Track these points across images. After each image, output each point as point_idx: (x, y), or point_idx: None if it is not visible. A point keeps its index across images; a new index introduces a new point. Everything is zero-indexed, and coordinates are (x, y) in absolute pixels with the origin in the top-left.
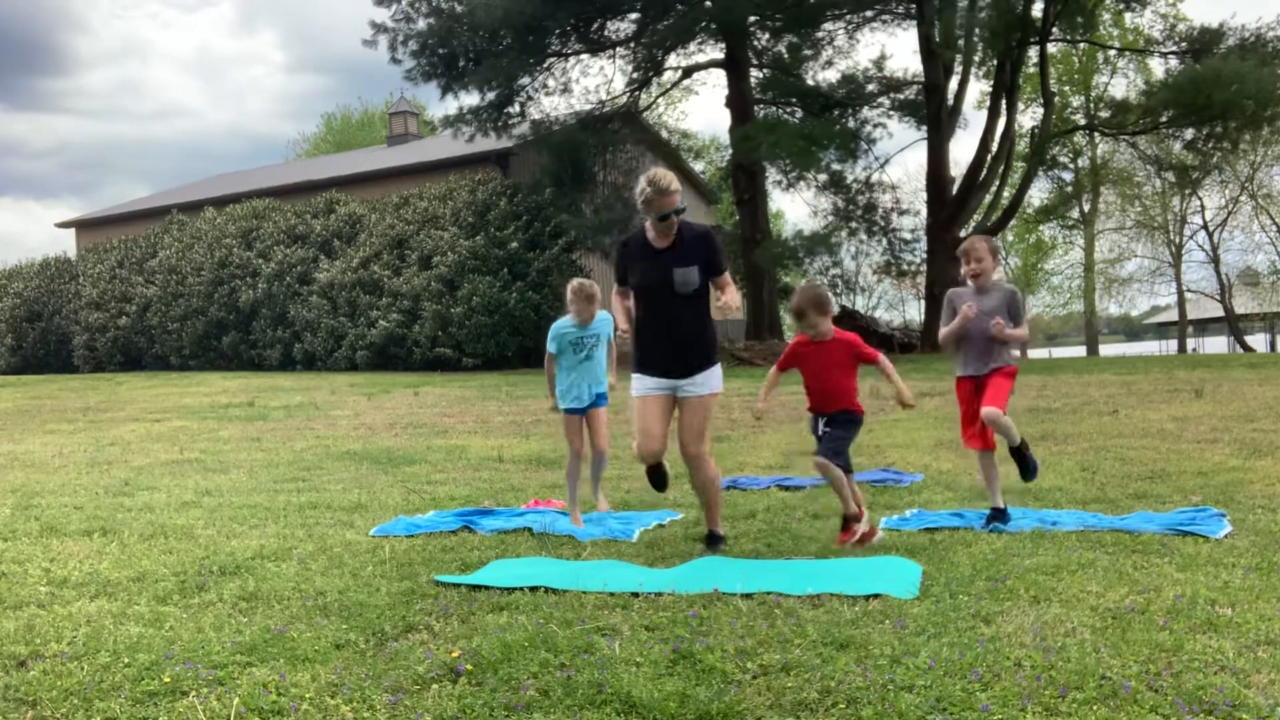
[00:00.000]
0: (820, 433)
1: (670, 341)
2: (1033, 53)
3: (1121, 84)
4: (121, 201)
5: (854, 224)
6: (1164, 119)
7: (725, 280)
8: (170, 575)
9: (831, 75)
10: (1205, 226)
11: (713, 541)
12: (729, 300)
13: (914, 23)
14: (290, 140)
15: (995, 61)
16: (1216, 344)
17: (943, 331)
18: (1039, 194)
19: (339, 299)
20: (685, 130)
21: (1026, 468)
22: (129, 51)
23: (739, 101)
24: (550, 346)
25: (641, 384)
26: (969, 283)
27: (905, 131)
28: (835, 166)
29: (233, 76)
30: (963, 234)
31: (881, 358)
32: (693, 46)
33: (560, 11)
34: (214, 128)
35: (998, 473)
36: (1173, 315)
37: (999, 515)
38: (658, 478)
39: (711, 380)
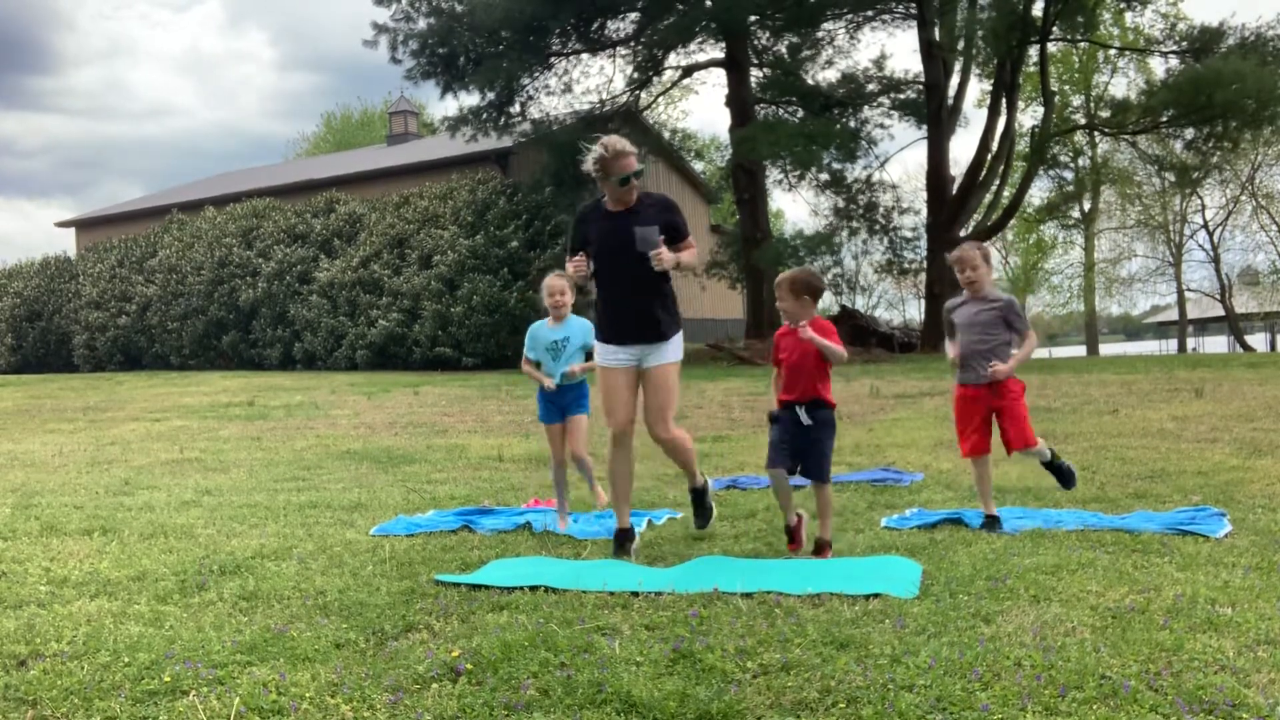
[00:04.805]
0: (802, 422)
1: (634, 306)
2: (1033, 52)
3: (1122, 83)
4: (115, 200)
5: (854, 223)
6: (1164, 118)
7: (688, 244)
8: (170, 574)
9: (831, 75)
10: (1206, 226)
11: (699, 497)
12: (668, 255)
13: (914, 23)
14: (290, 139)
15: (995, 61)
16: (1216, 343)
17: (946, 347)
18: (1039, 193)
19: (339, 298)
20: (685, 130)
21: (1064, 477)
22: (119, 50)
23: (739, 101)
24: (529, 354)
25: (607, 354)
26: (964, 291)
27: (905, 131)
28: (835, 166)
29: (224, 75)
30: (963, 233)
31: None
32: (693, 46)
33: (561, 11)
34: (206, 126)
35: (989, 480)
36: (1173, 315)
37: (992, 522)
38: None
39: (675, 348)
